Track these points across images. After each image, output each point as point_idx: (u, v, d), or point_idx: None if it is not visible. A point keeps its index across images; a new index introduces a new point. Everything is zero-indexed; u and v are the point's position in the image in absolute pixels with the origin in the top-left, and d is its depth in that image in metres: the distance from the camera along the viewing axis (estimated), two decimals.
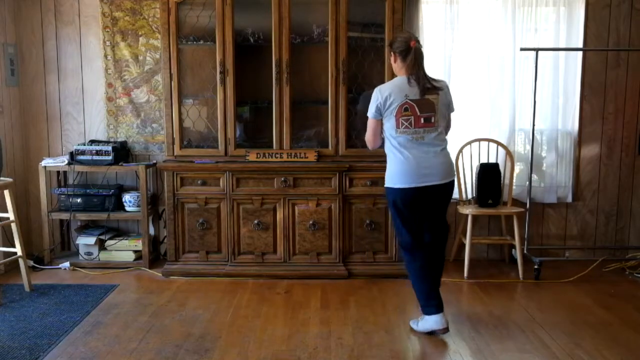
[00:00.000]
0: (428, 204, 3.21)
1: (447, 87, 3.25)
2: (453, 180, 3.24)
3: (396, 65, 3.21)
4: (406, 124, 3.12)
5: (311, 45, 4.33)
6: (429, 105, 3.13)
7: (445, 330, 3.19)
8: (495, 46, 4.55)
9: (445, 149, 3.21)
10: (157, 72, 4.60)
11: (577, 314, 3.59)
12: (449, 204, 3.32)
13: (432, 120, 3.14)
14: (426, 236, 3.27)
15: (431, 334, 3.22)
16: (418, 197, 3.16)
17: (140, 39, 4.60)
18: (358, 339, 3.19)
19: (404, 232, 3.26)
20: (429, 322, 3.22)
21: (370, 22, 4.23)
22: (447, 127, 3.35)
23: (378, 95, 3.17)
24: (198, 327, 3.33)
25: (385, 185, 3.26)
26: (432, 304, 3.20)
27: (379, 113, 3.17)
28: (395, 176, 3.18)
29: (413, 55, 3.12)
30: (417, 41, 3.15)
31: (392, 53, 3.20)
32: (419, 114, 3.12)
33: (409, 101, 3.11)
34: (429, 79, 3.17)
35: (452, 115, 3.36)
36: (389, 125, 3.17)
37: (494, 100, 4.62)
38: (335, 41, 4.13)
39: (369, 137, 3.28)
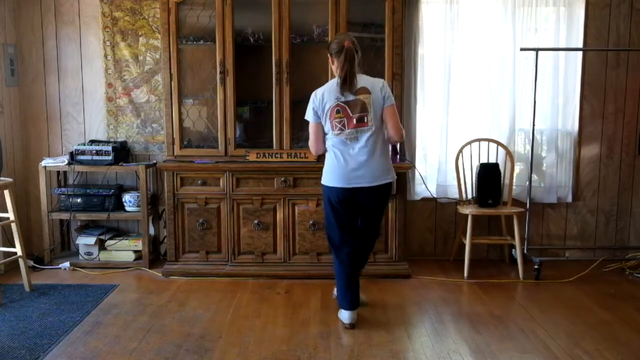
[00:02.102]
0: (360, 205, 3.29)
1: (381, 85, 3.19)
2: (388, 184, 3.26)
3: (333, 67, 3.24)
4: (339, 125, 3.18)
5: (311, 45, 4.34)
6: (361, 105, 3.15)
7: (351, 326, 3.32)
8: (495, 46, 4.55)
9: (379, 149, 3.20)
10: (157, 72, 4.60)
11: (577, 314, 3.59)
12: (382, 210, 3.41)
13: (365, 120, 3.16)
14: (358, 234, 3.39)
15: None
16: (349, 197, 3.25)
17: (140, 39, 4.60)
18: (358, 339, 3.19)
19: (335, 231, 3.35)
20: (341, 314, 3.39)
21: (370, 22, 4.23)
22: (396, 124, 3.20)
23: (314, 98, 3.25)
24: (198, 327, 3.34)
25: (322, 182, 3.35)
26: (345, 301, 3.33)
27: (317, 116, 3.23)
28: (328, 175, 3.29)
29: (343, 55, 3.12)
30: (353, 42, 3.14)
31: (329, 55, 3.25)
32: (351, 115, 3.16)
33: (340, 103, 3.16)
34: (359, 80, 3.16)
35: (393, 105, 3.21)
36: (325, 128, 3.25)
37: (494, 100, 4.62)
38: None
39: (312, 142, 3.31)
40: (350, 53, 3.12)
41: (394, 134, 3.25)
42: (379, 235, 3.56)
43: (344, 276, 3.35)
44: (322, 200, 4.14)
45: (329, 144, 3.28)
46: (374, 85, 3.20)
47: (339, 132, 3.18)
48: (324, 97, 3.20)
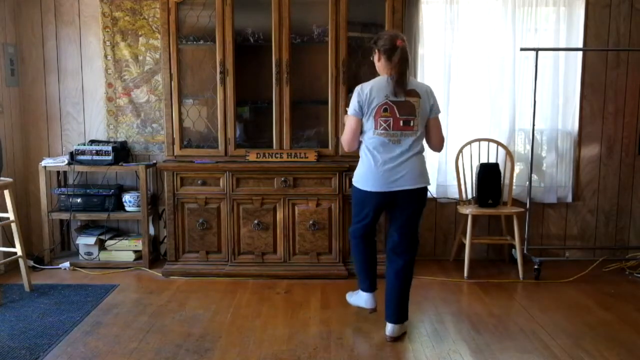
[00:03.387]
0: (395, 209, 3.16)
1: (429, 91, 3.14)
2: (425, 188, 3.15)
3: (380, 64, 3.12)
4: (384, 125, 3.04)
5: (311, 45, 4.33)
6: (409, 108, 3.05)
7: (373, 310, 3.35)
8: (495, 46, 4.55)
9: (419, 154, 3.12)
10: (157, 72, 4.60)
11: (577, 314, 3.59)
12: (421, 215, 3.21)
13: (412, 124, 3.06)
14: (396, 250, 3.21)
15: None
16: (385, 201, 3.13)
17: (140, 39, 4.60)
18: (358, 339, 3.19)
19: (359, 223, 3.28)
20: (361, 298, 3.40)
21: (370, 22, 4.24)
22: (439, 135, 3.21)
23: (359, 92, 3.09)
24: (198, 327, 3.34)
25: (353, 183, 3.23)
26: (366, 282, 3.35)
27: (361, 111, 3.08)
28: (363, 178, 3.14)
29: (399, 55, 3.01)
30: (404, 40, 3.05)
31: (376, 51, 3.12)
32: (398, 116, 3.04)
33: (389, 102, 3.03)
34: (412, 82, 3.10)
35: (441, 117, 3.24)
36: (367, 126, 3.09)
37: (494, 100, 4.62)
38: (335, 41, 4.13)
39: (347, 137, 3.15)
40: (404, 53, 3.02)
41: (436, 145, 3.23)
42: (418, 243, 3.27)
43: (365, 261, 3.35)
44: (323, 201, 4.19)
45: (367, 144, 3.11)
46: (423, 90, 3.11)
47: (383, 131, 3.04)
48: (371, 92, 3.04)
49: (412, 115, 3.05)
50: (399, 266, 3.18)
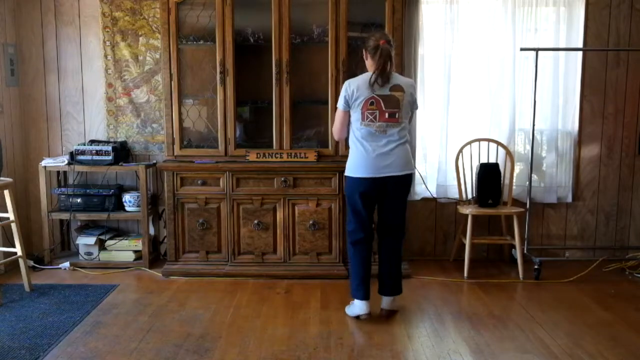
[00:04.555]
0: (386, 195, 3.40)
1: (412, 86, 3.44)
2: (411, 174, 3.44)
3: (368, 62, 3.41)
4: (371, 117, 3.32)
5: (311, 45, 4.34)
6: (394, 101, 3.33)
7: (368, 315, 3.43)
8: (495, 46, 4.55)
9: (405, 143, 3.39)
10: (157, 72, 4.60)
11: (577, 314, 3.59)
12: (406, 200, 3.51)
13: (397, 116, 3.34)
14: (388, 231, 3.50)
15: (358, 318, 3.47)
16: (376, 187, 3.36)
17: (140, 39, 4.60)
18: (358, 339, 3.19)
19: (354, 225, 3.45)
20: (356, 307, 3.47)
21: (370, 22, 4.23)
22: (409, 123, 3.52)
23: (346, 87, 3.39)
24: (198, 327, 3.34)
25: (346, 174, 3.46)
26: (361, 291, 3.45)
27: (347, 104, 3.38)
28: (355, 166, 3.39)
29: (379, 53, 3.28)
30: (387, 42, 3.32)
31: (364, 51, 3.42)
32: (384, 108, 3.32)
33: (375, 96, 3.32)
34: (395, 77, 3.36)
35: (416, 112, 3.62)
36: (354, 117, 3.37)
37: (494, 100, 4.62)
38: (335, 41, 4.13)
39: (336, 127, 3.50)
40: (386, 51, 3.28)
41: None
42: (404, 235, 3.59)
43: (362, 266, 3.45)
44: (323, 201, 4.19)
45: (356, 135, 3.37)
46: (407, 85, 3.39)
47: (369, 122, 3.32)
48: (358, 88, 3.33)
49: (397, 108, 3.34)
50: (391, 244, 3.50)
